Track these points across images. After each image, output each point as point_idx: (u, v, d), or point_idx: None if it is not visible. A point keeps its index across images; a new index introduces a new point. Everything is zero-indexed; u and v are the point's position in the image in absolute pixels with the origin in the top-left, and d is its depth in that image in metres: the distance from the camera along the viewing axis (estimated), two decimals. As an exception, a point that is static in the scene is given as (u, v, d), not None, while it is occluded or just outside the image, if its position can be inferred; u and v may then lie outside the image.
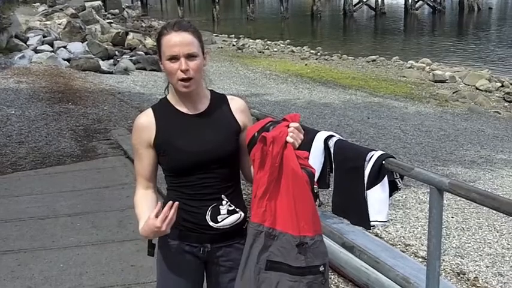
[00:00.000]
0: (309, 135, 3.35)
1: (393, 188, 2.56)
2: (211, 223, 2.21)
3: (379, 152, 2.56)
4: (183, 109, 2.23)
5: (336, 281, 4.03)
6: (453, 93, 15.45)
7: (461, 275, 4.50)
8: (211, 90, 2.32)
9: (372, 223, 2.54)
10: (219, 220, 2.21)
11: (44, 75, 13.43)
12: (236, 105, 2.30)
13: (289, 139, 2.06)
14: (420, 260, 4.57)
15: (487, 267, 4.70)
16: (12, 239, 4.76)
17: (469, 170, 7.84)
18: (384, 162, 2.50)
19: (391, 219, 5.53)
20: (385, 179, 2.51)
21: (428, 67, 19.38)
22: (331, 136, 2.47)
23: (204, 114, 2.23)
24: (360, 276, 3.83)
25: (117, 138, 7.98)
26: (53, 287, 3.92)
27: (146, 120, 2.23)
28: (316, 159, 3.15)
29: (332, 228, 3.90)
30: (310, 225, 2.10)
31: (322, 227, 2.22)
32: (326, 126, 9.51)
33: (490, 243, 5.21)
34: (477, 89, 16.27)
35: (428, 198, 2.74)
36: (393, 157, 2.60)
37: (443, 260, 4.73)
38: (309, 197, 2.09)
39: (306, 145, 3.30)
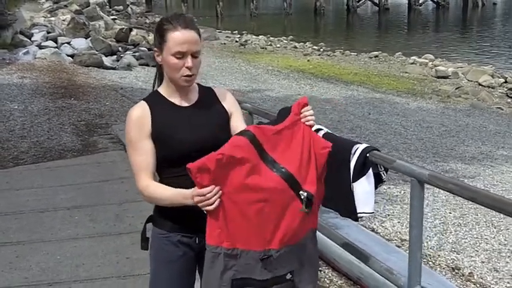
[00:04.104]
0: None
1: (378, 181, 2.59)
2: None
3: (364, 145, 2.60)
4: (176, 101, 2.28)
5: (330, 275, 4.06)
6: (456, 89, 15.41)
7: (456, 270, 4.51)
8: (197, 83, 2.37)
9: (359, 215, 2.58)
10: (213, 209, 2.24)
11: (47, 70, 13.49)
12: (221, 94, 2.39)
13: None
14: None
15: (483, 262, 4.70)
16: (11, 231, 4.81)
17: (469, 166, 7.83)
18: (368, 154, 2.54)
19: (388, 215, 5.54)
20: (370, 171, 2.55)
21: (431, 63, 19.29)
22: (318, 130, 2.50)
23: (196, 105, 2.29)
24: (352, 270, 3.87)
25: (117, 133, 8.01)
26: (49, 279, 3.96)
27: (141, 112, 2.22)
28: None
29: (326, 222, 3.93)
30: (276, 238, 2.06)
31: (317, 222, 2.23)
32: (327, 122, 9.52)
33: (486, 239, 5.20)
34: (480, 85, 16.23)
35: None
36: (377, 150, 2.64)
37: (438, 255, 4.75)
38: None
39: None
